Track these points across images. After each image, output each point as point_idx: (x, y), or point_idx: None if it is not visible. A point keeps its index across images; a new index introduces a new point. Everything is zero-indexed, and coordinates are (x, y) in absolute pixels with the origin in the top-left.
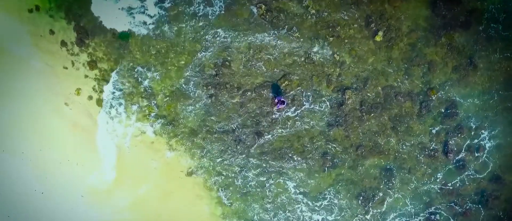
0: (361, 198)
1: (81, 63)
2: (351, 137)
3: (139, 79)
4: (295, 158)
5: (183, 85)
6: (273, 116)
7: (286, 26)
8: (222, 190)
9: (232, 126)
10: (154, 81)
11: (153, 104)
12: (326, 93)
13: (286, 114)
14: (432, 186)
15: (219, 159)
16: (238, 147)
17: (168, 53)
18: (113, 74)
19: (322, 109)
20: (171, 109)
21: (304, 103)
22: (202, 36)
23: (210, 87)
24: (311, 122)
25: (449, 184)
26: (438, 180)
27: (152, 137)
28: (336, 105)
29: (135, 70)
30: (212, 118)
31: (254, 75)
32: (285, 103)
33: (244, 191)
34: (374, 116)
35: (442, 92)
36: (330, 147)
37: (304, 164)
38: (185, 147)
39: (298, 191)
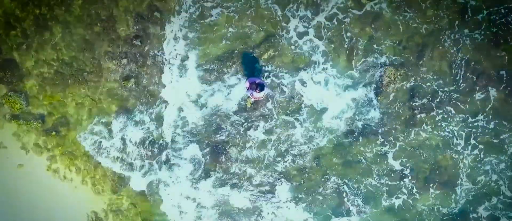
0: None
1: None
2: (393, 155)
3: None
4: (282, 196)
5: (74, 59)
6: (242, 118)
7: None
8: None
9: (167, 139)
10: (19, 50)
11: (17, 94)
12: (346, 73)
13: (267, 109)
14: None
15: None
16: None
17: None
18: None
19: (338, 103)
20: (55, 104)
21: (303, 90)
22: None
23: (126, 61)
24: (316, 128)
25: None
26: None
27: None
28: (364, 96)
29: None
30: (128, 121)
31: (209, 39)
32: (265, 89)
33: None
34: (436, 116)
35: None
36: (351, 176)
37: (293, 206)
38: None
39: None
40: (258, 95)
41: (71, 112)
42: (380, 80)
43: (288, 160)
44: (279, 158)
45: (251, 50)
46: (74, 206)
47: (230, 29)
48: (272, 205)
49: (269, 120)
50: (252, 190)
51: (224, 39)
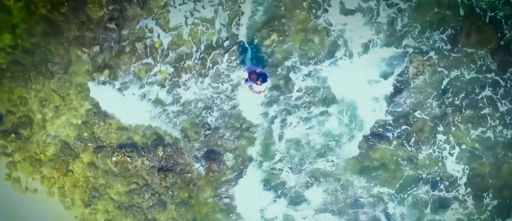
0: None
1: None
2: (418, 158)
3: None
4: (315, 203)
5: (37, 46)
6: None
7: None
8: None
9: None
10: None
11: None
12: (370, 62)
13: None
14: None
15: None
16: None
17: None
18: None
19: (363, 99)
20: (15, 100)
21: (316, 82)
22: None
23: (98, 48)
24: (344, 127)
25: None
26: None
27: None
28: (390, 90)
29: None
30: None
31: (199, 24)
32: (268, 80)
33: None
34: (479, 114)
35: None
36: (392, 182)
37: None
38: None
39: None
40: (260, 87)
41: (34, 110)
42: (406, 71)
43: (319, 163)
44: (308, 161)
45: (250, 35)
46: None
47: (227, 11)
48: (307, 213)
49: (291, 115)
50: (281, 196)
51: (219, 25)
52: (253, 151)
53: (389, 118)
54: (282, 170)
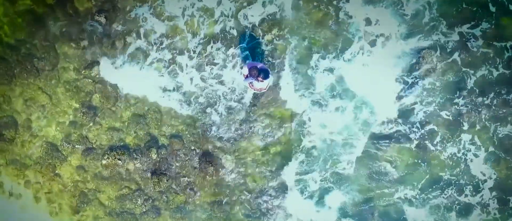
0: None
1: None
2: (440, 159)
3: None
4: (333, 206)
5: (21, 41)
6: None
7: None
8: None
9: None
10: None
11: None
12: (382, 58)
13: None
14: None
15: None
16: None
17: None
18: None
19: (363, 101)
20: None
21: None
22: None
23: (87, 42)
24: (356, 127)
25: None
26: None
27: None
28: (408, 85)
29: None
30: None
31: (193, 14)
32: (270, 76)
33: None
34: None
35: None
36: (410, 184)
37: None
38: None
39: None
40: (261, 85)
41: (18, 110)
42: (418, 67)
43: (338, 164)
44: (325, 163)
45: (248, 29)
46: None
47: (232, 1)
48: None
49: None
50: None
51: (222, 16)
52: (255, 152)
53: (410, 116)
54: (299, 173)
